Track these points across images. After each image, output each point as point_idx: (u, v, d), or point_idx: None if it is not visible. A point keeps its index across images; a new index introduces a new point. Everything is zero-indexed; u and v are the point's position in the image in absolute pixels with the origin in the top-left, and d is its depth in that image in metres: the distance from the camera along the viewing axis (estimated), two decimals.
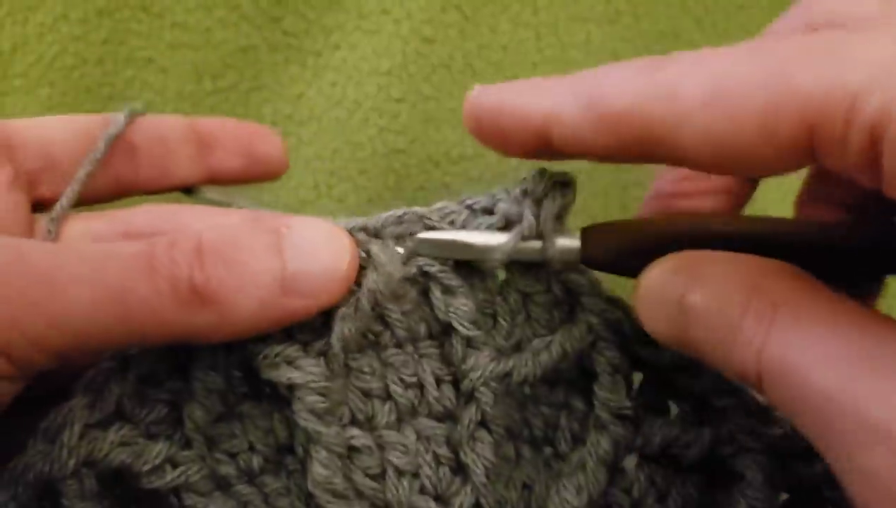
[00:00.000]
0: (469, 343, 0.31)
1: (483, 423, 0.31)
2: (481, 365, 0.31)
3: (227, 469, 0.32)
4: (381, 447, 0.31)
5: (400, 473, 0.31)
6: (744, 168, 0.26)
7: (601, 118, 0.27)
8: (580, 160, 0.29)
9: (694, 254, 0.29)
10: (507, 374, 0.31)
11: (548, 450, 0.33)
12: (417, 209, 0.32)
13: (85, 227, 0.36)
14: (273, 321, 0.29)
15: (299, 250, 0.29)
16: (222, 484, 0.32)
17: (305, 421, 0.30)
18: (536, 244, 0.31)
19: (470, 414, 0.31)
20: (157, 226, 0.36)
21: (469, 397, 0.32)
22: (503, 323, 0.32)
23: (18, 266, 0.27)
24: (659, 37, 0.52)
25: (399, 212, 0.32)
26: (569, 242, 0.31)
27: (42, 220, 0.36)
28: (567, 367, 0.32)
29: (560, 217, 0.31)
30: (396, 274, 0.31)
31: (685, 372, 0.32)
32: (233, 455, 0.32)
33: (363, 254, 0.31)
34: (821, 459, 0.26)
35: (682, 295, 0.28)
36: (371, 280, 0.30)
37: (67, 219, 0.36)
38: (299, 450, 0.31)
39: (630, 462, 0.32)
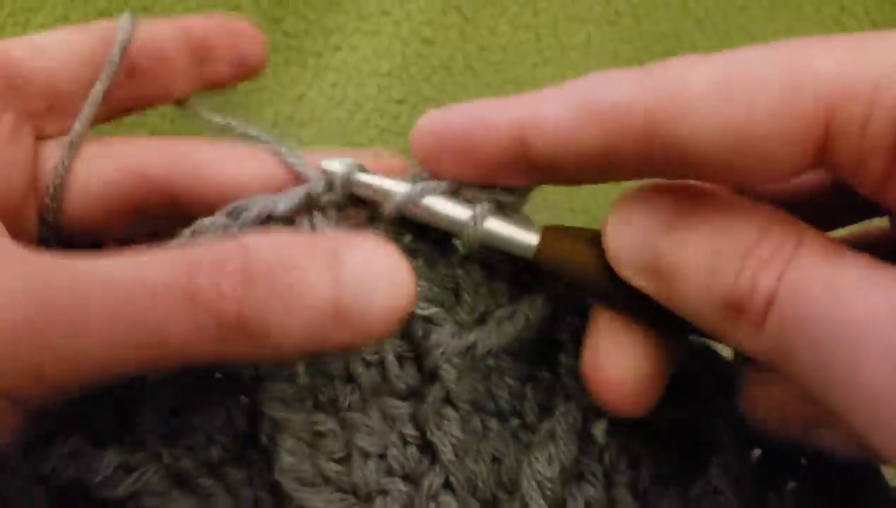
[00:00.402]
0: (428, 320, 0.30)
1: (448, 400, 0.31)
2: (443, 342, 0.30)
3: (186, 464, 0.30)
4: (346, 429, 0.30)
5: (366, 455, 0.30)
6: (750, 164, 0.24)
7: (591, 113, 0.25)
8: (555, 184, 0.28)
9: (684, 185, 0.27)
10: (470, 348, 0.30)
11: (515, 422, 0.32)
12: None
13: (95, 175, 0.33)
14: (320, 351, 0.26)
15: (357, 283, 0.25)
16: (181, 479, 0.30)
17: (272, 409, 0.29)
18: (502, 229, 0.29)
19: (434, 392, 0.30)
20: (173, 173, 0.33)
21: (432, 375, 0.31)
22: (466, 297, 0.31)
23: (43, 310, 0.24)
24: (659, 38, 0.52)
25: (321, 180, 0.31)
26: (527, 237, 0.29)
27: (49, 148, 0.33)
28: (531, 337, 0.32)
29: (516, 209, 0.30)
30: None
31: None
32: (190, 449, 0.30)
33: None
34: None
35: (675, 217, 0.26)
36: None
37: (75, 162, 0.33)
38: (263, 439, 0.30)
39: (600, 428, 0.32)
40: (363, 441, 0.30)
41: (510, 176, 0.28)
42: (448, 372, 0.30)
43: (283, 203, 0.30)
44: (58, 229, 0.33)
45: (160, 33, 0.35)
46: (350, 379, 0.31)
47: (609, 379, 0.28)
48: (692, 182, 0.27)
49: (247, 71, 0.37)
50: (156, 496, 0.29)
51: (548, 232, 0.29)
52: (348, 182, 0.30)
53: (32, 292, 0.24)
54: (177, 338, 0.25)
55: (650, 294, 0.27)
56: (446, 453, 0.30)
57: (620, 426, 0.32)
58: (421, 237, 0.31)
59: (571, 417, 0.31)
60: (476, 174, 0.29)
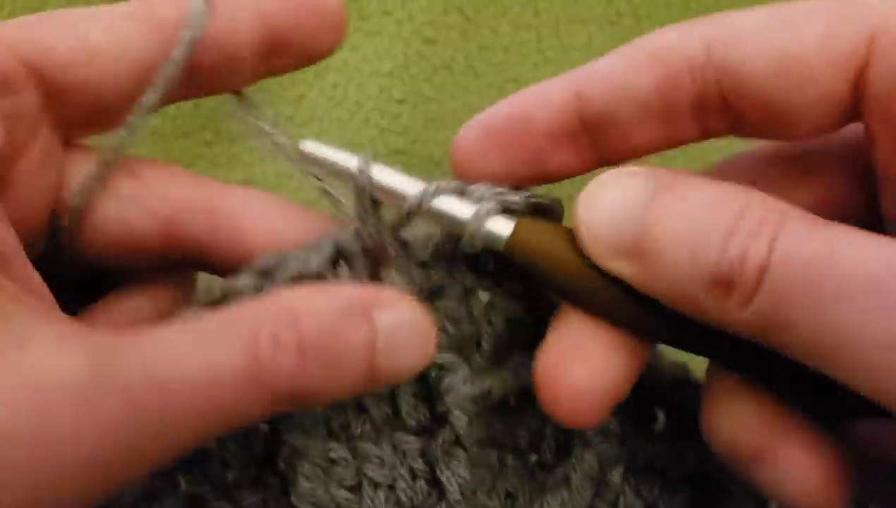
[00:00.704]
0: (442, 367, 0.31)
1: (458, 442, 0.31)
2: (455, 388, 0.31)
3: (202, 489, 0.31)
4: (357, 458, 0.31)
5: (376, 485, 0.31)
6: (796, 89, 0.25)
7: (647, 52, 0.26)
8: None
9: (662, 170, 0.27)
10: (485, 394, 0.31)
11: (533, 458, 0.33)
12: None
13: (122, 223, 0.32)
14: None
15: (391, 348, 0.27)
16: (197, 505, 0.31)
17: (292, 436, 0.30)
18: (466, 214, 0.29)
19: (445, 434, 0.31)
20: (198, 215, 0.32)
21: (444, 418, 0.31)
22: (485, 345, 0.31)
23: (133, 415, 0.25)
24: None
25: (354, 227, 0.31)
26: (501, 228, 0.29)
27: (79, 161, 0.31)
28: None
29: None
30: None
31: (671, 387, 0.31)
32: (206, 474, 0.31)
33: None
34: None
35: (655, 194, 0.26)
36: None
37: (103, 195, 0.31)
38: (281, 464, 0.31)
39: (616, 473, 0.32)
40: (373, 472, 0.31)
41: (564, 149, 0.28)
42: (459, 419, 0.31)
43: (315, 260, 0.30)
44: (68, 250, 0.32)
45: (234, 26, 0.31)
46: (362, 409, 0.31)
47: (565, 389, 0.28)
48: (663, 169, 0.27)
49: (315, 60, 0.34)
50: None
51: (521, 224, 0.29)
52: (369, 186, 0.30)
53: (125, 400, 0.25)
54: (242, 414, 0.26)
55: (627, 277, 0.27)
56: (452, 492, 0.31)
57: (637, 472, 0.32)
58: (448, 277, 0.31)
59: (587, 465, 0.31)
60: (527, 157, 0.29)
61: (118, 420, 0.24)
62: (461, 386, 0.30)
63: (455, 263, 0.32)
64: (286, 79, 0.49)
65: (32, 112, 0.29)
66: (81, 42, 0.30)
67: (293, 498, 0.30)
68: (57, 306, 0.29)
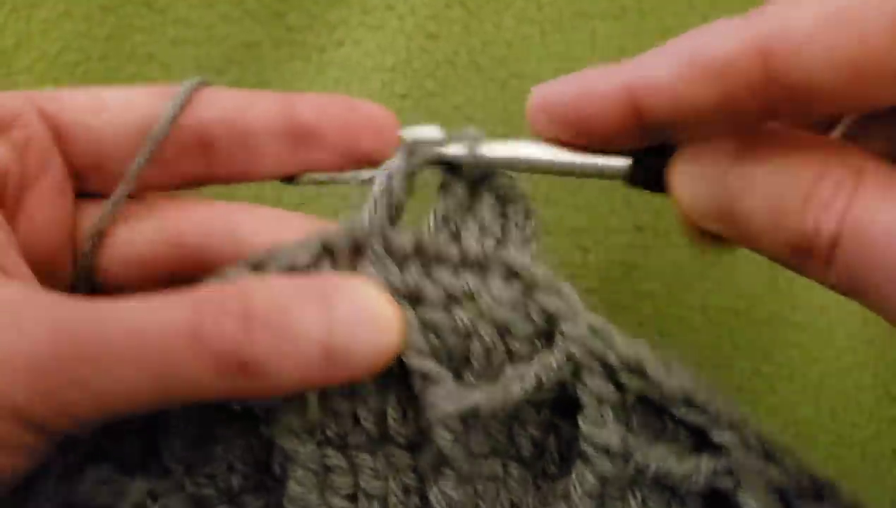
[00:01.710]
0: (425, 376, 0.30)
1: (444, 460, 0.30)
2: (437, 404, 0.29)
3: (207, 491, 0.31)
4: (353, 467, 0.31)
5: (370, 497, 0.30)
6: (870, 90, 0.24)
7: (704, 68, 0.25)
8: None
9: (750, 136, 0.27)
10: (472, 409, 0.29)
11: (537, 467, 0.32)
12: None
13: (132, 236, 0.34)
14: (311, 388, 0.29)
15: (345, 326, 0.27)
16: (202, 506, 0.31)
17: (283, 439, 0.30)
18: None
19: (431, 450, 0.30)
20: (209, 237, 0.33)
21: (430, 433, 0.30)
22: (474, 362, 0.30)
23: (66, 340, 0.26)
24: (665, 33, 0.51)
25: (349, 223, 0.31)
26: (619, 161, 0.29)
27: (91, 215, 0.33)
28: (551, 390, 0.31)
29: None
30: None
31: (681, 404, 0.30)
32: (211, 477, 0.31)
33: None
34: (829, 499, 0.26)
35: (742, 165, 0.26)
36: None
37: (117, 224, 0.34)
38: (276, 468, 0.31)
39: (620, 488, 0.31)
40: (367, 483, 0.30)
41: (624, 141, 0.29)
42: (442, 437, 0.30)
43: (302, 254, 0.30)
44: (91, 286, 0.34)
45: (254, 110, 0.33)
46: (356, 419, 0.31)
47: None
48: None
49: (363, 163, 0.33)
50: None
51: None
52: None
53: (62, 329, 0.26)
54: (183, 376, 0.27)
55: (729, 238, 0.27)
56: None
57: (644, 487, 0.31)
58: (428, 280, 0.31)
59: (588, 483, 0.30)
60: (590, 143, 0.29)
61: (45, 335, 0.26)
62: (443, 403, 0.29)
63: (438, 264, 0.31)
64: (288, 73, 0.49)
65: (44, 144, 0.32)
66: (93, 97, 0.33)
67: (285, 501, 0.30)
68: (34, 277, 0.31)
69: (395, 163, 0.32)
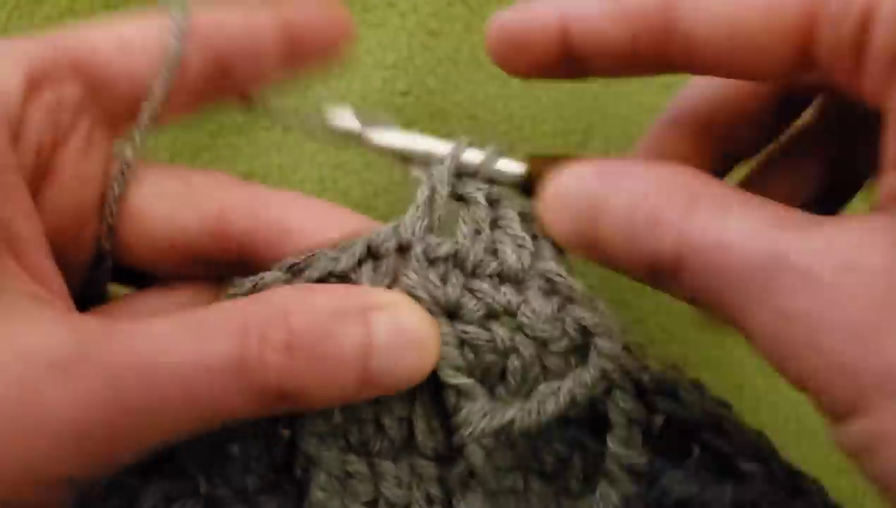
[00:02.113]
0: (459, 391, 0.29)
1: (474, 475, 0.30)
2: (472, 421, 0.29)
3: (223, 492, 0.31)
4: (375, 475, 0.31)
5: (391, 505, 0.30)
6: (746, 55, 0.27)
7: (622, 8, 0.28)
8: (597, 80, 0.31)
9: (608, 160, 0.30)
10: (506, 426, 0.29)
11: (559, 483, 0.32)
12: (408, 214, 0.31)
13: (171, 221, 0.32)
14: (341, 403, 0.29)
15: (385, 350, 0.28)
16: (216, 506, 0.31)
17: (307, 444, 0.30)
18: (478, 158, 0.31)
19: (461, 465, 0.30)
20: (252, 226, 0.32)
21: (460, 450, 0.30)
22: (510, 379, 0.30)
23: (116, 398, 0.26)
24: None
25: (393, 225, 0.31)
26: (513, 167, 0.31)
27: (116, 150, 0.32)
28: (580, 407, 0.30)
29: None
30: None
31: (709, 430, 0.30)
32: (227, 478, 0.31)
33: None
34: None
35: (599, 192, 0.28)
36: None
37: (154, 199, 0.32)
38: (298, 471, 0.31)
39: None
40: (389, 491, 0.30)
41: (555, 71, 0.31)
42: (474, 454, 0.30)
43: (345, 259, 0.30)
44: (112, 256, 0.33)
45: (260, 29, 0.33)
46: (380, 426, 0.31)
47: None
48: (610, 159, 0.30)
49: (326, 66, 0.35)
50: None
51: (534, 159, 0.31)
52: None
53: (112, 387, 0.26)
54: (226, 409, 0.27)
55: (591, 259, 0.29)
56: None
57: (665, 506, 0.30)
58: (467, 294, 0.31)
59: (611, 504, 0.30)
60: (540, 68, 0.31)
61: (97, 397, 0.26)
62: (479, 420, 0.29)
63: (478, 277, 0.31)
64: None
65: (75, 102, 0.31)
66: (121, 35, 0.32)
67: (306, 506, 0.30)
68: (69, 300, 0.30)
69: (442, 173, 0.32)
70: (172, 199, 0.33)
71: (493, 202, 0.32)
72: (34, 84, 0.30)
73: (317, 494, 0.30)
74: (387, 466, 0.31)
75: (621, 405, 0.30)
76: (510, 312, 0.30)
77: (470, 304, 0.30)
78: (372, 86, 0.49)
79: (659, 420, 0.31)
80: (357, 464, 0.30)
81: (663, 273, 0.27)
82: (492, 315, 0.30)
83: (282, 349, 0.27)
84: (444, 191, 0.31)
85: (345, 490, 0.30)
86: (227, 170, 0.35)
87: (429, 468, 0.31)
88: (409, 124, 0.49)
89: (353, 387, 0.28)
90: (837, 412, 0.25)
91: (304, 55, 0.34)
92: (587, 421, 0.31)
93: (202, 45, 0.32)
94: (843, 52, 0.26)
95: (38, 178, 0.30)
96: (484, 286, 0.30)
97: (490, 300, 0.30)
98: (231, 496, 0.31)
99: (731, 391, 0.35)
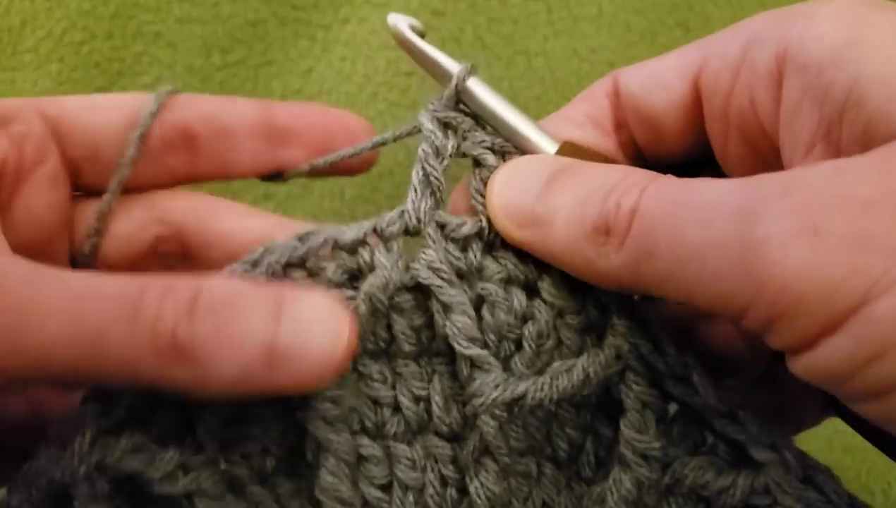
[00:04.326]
0: (473, 363, 0.29)
1: (487, 451, 0.30)
2: (484, 392, 0.29)
3: (241, 471, 0.31)
4: (390, 458, 0.31)
5: (406, 487, 0.30)
6: (655, 101, 0.32)
7: (585, 94, 0.34)
8: None
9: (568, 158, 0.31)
10: (519, 399, 0.29)
11: (571, 469, 0.32)
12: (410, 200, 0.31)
13: (124, 212, 0.35)
14: (256, 390, 0.27)
15: (297, 327, 0.27)
16: (235, 486, 0.31)
17: (316, 428, 0.30)
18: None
19: (475, 441, 0.30)
20: (192, 220, 0.35)
21: (474, 422, 0.30)
22: (527, 347, 0.30)
23: (2, 298, 0.26)
24: (671, 9, 0.51)
25: (399, 210, 0.31)
26: (546, 146, 0.31)
27: (87, 209, 0.35)
28: (594, 391, 0.30)
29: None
30: (394, 280, 0.29)
31: (723, 417, 0.30)
32: (246, 457, 0.31)
33: (367, 259, 0.30)
34: None
35: (551, 174, 0.30)
36: (368, 283, 0.29)
37: (116, 215, 0.35)
38: (309, 455, 0.31)
39: (656, 497, 0.30)
40: (403, 474, 0.30)
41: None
42: (487, 424, 0.29)
43: (351, 231, 0.30)
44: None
45: (233, 108, 0.36)
46: (397, 408, 0.31)
47: None
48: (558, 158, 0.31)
49: (342, 166, 0.36)
50: (210, 499, 0.30)
51: (566, 144, 0.32)
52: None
53: None
54: (118, 348, 0.26)
55: (528, 245, 0.30)
56: (480, 505, 0.30)
57: (679, 497, 0.30)
58: (490, 260, 0.31)
59: (625, 488, 0.30)
60: None
61: None
62: (491, 391, 0.29)
63: (502, 248, 0.31)
64: (294, 52, 0.49)
65: (42, 137, 0.33)
66: (91, 100, 0.35)
67: (316, 491, 0.30)
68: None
69: (434, 142, 0.32)
70: (128, 212, 0.35)
71: (499, 155, 0.32)
72: (3, 121, 0.33)
73: (326, 479, 0.30)
74: (401, 449, 0.31)
75: (636, 389, 0.30)
76: (531, 281, 0.31)
77: (492, 267, 0.31)
78: (376, 67, 0.49)
79: (673, 407, 0.31)
80: (371, 448, 0.31)
81: (609, 229, 0.27)
82: (512, 280, 0.31)
83: (183, 303, 0.26)
84: (435, 167, 0.31)
85: (359, 473, 0.30)
86: None
87: (444, 448, 0.31)
88: (413, 105, 0.49)
89: (258, 365, 0.27)
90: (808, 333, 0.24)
91: (294, 147, 0.36)
92: (601, 406, 0.32)
93: (167, 113, 0.35)
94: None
95: (4, 204, 0.33)
96: (508, 254, 0.31)
97: (512, 266, 0.31)
98: (248, 476, 0.31)
99: None
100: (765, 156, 0.31)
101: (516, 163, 0.31)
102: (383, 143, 0.35)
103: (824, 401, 0.34)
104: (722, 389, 0.30)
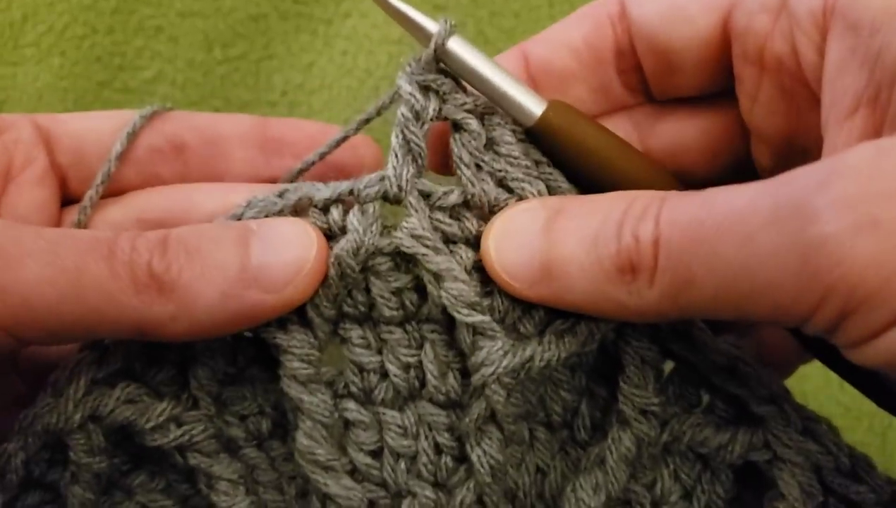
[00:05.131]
0: (476, 330, 0.28)
1: (493, 418, 0.29)
2: (493, 361, 0.28)
3: (236, 432, 0.31)
4: (379, 423, 0.30)
5: (397, 455, 0.30)
6: (677, 39, 0.31)
7: (578, 13, 0.33)
8: None
9: (556, 197, 0.30)
10: (526, 363, 0.28)
11: (565, 433, 0.31)
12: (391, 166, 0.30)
13: (102, 214, 0.36)
14: (236, 315, 0.28)
15: (265, 244, 0.28)
16: (230, 447, 0.31)
17: (289, 387, 0.29)
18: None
19: (479, 409, 0.29)
20: (171, 211, 0.36)
21: (479, 391, 0.29)
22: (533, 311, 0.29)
23: None
24: None
25: (379, 173, 0.30)
26: (533, 105, 0.30)
27: (74, 215, 0.36)
28: (591, 350, 0.30)
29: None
30: (366, 244, 0.29)
31: (722, 372, 0.30)
32: (242, 418, 0.31)
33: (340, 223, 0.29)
34: (865, 477, 0.27)
35: (549, 221, 0.28)
36: (339, 246, 0.29)
37: (99, 214, 0.36)
38: (290, 415, 0.31)
39: (654, 454, 0.30)
40: (394, 441, 0.30)
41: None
42: (496, 393, 0.28)
43: (327, 190, 0.30)
44: None
45: (224, 119, 0.37)
46: (384, 374, 0.30)
47: None
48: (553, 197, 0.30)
49: (336, 174, 0.35)
50: (202, 455, 0.30)
51: (554, 104, 0.30)
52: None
53: None
54: (92, 283, 0.27)
55: (548, 301, 0.28)
56: (483, 473, 0.29)
57: (677, 455, 0.31)
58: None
59: (625, 446, 0.29)
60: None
61: None
62: (500, 359, 0.28)
63: (484, 215, 0.30)
64: (295, 46, 0.49)
65: (31, 143, 0.35)
66: (85, 115, 0.38)
67: (296, 456, 0.29)
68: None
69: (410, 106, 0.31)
70: (105, 203, 0.37)
71: (482, 117, 0.31)
72: None
73: (301, 441, 0.29)
74: (391, 415, 0.30)
75: (634, 344, 0.29)
76: None
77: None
78: (378, 61, 0.49)
79: (668, 368, 0.30)
80: (357, 413, 0.30)
81: (635, 266, 0.26)
82: None
83: (155, 241, 0.28)
84: (415, 133, 0.30)
85: (347, 438, 0.30)
86: None
87: (439, 416, 0.30)
88: None
89: (234, 282, 0.27)
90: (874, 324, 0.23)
91: (285, 151, 0.37)
92: (595, 367, 0.31)
93: (157, 123, 0.36)
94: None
95: None
96: None
97: None
98: (244, 437, 0.31)
99: None
100: (798, 102, 0.29)
101: (504, 219, 0.29)
102: (368, 120, 0.34)
103: (801, 349, 0.34)
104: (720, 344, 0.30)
